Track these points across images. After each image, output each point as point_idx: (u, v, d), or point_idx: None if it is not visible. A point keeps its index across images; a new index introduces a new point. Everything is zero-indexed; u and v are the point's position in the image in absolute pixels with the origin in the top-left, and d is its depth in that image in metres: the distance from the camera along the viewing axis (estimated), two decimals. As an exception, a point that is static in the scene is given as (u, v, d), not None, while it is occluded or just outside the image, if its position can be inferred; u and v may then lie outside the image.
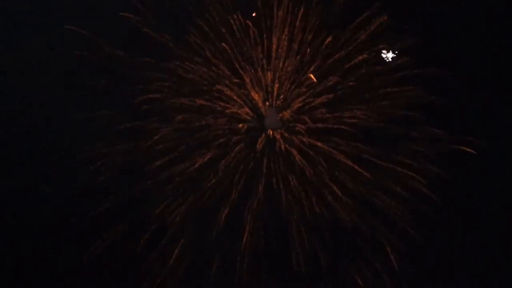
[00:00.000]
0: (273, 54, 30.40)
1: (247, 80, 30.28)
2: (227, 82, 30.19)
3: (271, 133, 30.16)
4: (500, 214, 30.46)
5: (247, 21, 30.24)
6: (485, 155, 30.05)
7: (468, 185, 30.18)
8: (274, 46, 30.38)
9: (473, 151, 29.81)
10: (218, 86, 30.03)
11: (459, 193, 29.96)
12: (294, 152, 29.99)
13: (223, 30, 30.16)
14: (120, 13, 30.36)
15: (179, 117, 29.78)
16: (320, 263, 29.27)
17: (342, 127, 29.97)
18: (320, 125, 30.15)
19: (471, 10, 31.71)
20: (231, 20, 30.27)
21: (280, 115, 30.37)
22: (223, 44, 30.21)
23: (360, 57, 30.24)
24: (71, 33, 30.37)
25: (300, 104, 30.38)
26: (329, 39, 30.33)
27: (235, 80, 30.34)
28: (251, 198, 29.51)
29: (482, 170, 30.45)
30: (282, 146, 29.97)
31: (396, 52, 30.63)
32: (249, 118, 30.42)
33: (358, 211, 29.60)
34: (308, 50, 30.47)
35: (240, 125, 30.20)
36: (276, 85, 30.40)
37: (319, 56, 30.36)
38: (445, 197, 29.70)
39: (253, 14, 30.10)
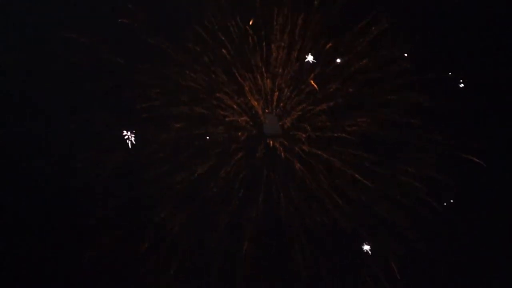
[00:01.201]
0: (273, 61, 30.12)
1: (246, 88, 30.01)
2: (226, 89, 29.87)
3: (271, 142, 29.97)
4: (502, 219, 30.25)
5: (246, 27, 29.95)
6: (486, 159, 29.92)
7: (469, 190, 30.08)
8: (274, 53, 30.09)
9: (478, 160, 29.80)
10: (217, 94, 29.66)
11: (459, 198, 29.87)
12: (294, 160, 29.81)
13: (222, 37, 29.83)
14: (119, 20, 29.98)
15: (178, 125, 29.43)
16: (320, 270, 29.15)
17: (343, 135, 29.76)
18: (320, 133, 29.96)
19: (471, 12, 31.41)
20: (230, 27, 29.91)
21: (280, 123, 30.12)
22: (223, 50, 29.88)
23: (361, 63, 29.96)
24: (70, 37, 30.08)
25: (300, 112, 30.14)
26: (329, 45, 30.01)
27: (234, 88, 30.04)
28: (251, 206, 29.31)
29: (483, 175, 30.23)
30: (282, 154, 29.78)
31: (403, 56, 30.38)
32: (248, 126, 30.13)
33: (359, 219, 29.47)
34: (308, 56, 30.14)
35: (240, 133, 29.93)
36: (276, 93, 30.13)
37: (319, 63, 30.09)
38: (445, 202, 29.68)
39: (250, 22, 29.75)
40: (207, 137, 29.62)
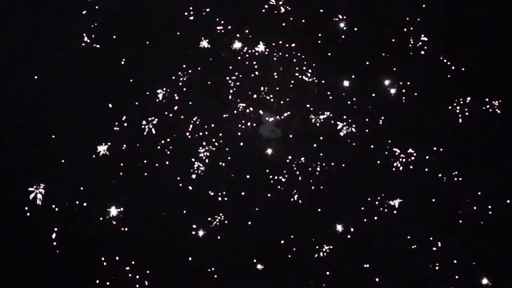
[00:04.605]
0: (272, 65, 29.34)
1: (244, 94, 29.27)
2: (223, 95, 29.25)
3: (269, 151, 29.24)
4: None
5: (245, 30, 29.23)
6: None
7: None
8: (274, 56, 29.34)
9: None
10: (214, 100, 29.05)
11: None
12: (295, 167, 29.09)
13: (219, 42, 29.18)
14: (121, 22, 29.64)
15: (175, 134, 28.98)
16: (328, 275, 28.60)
17: (346, 141, 29.03)
18: (321, 140, 29.23)
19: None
20: (227, 30, 29.22)
21: (279, 128, 29.42)
22: (221, 54, 29.22)
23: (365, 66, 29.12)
24: (73, 39, 29.73)
25: (300, 119, 29.40)
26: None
27: (231, 93, 29.35)
28: (250, 214, 28.97)
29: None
30: (281, 161, 29.13)
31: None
32: (246, 134, 29.42)
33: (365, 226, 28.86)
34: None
35: (237, 141, 29.29)
36: (275, 98, 29.38)
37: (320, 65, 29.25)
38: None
39: (247, 31, 29.03)
40: (204, 145, 29.09)
